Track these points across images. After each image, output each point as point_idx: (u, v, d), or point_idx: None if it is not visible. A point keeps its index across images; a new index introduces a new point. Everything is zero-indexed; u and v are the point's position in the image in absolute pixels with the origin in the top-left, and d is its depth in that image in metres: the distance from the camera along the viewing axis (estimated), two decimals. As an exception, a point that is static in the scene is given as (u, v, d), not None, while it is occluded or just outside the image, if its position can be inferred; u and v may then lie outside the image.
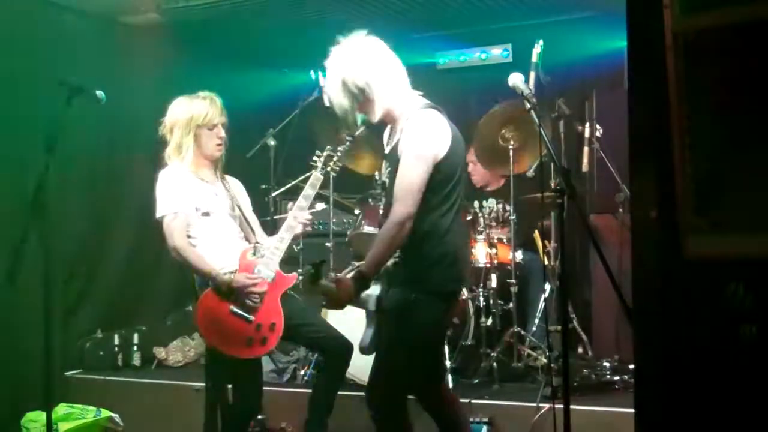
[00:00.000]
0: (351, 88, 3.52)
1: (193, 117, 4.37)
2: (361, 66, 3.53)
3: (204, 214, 4.43)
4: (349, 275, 3.55)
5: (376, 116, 3.61)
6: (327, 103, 6.18)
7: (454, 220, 3.61)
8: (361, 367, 5.12)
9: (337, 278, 3.56)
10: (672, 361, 2.03)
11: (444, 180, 3.52)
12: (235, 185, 4.71)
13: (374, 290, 3.66)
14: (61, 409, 5.55)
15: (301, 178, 6.52)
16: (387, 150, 3.73)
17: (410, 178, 3.44)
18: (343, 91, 3.53)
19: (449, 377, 5.19)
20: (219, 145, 4.45)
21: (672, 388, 2.01)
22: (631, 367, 5.36)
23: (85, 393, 5.98)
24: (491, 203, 5.98)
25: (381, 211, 5.53)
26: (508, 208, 5.82)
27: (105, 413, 5.65)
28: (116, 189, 6.74)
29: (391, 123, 3.70)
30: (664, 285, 2.03)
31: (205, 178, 4.51)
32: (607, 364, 5.49)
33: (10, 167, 5.81)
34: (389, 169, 3.66)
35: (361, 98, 3.54)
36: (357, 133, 6.13)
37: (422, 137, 3.48)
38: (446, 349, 5.17)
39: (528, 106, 3.42)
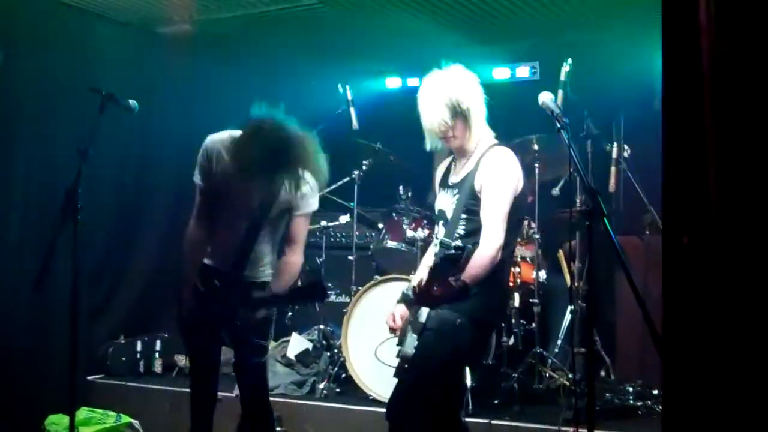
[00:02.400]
0: (455, 107, 3.66)
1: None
2: (467, 90, 3.71)
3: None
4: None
5: (469, 143, 3.78)
6: (355, 126, 6.29)
7: (511, 254, 3.85)
8: (383, 383, 5.12)
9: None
10: (702, 390, 2.01)
11: (512, 214, 3.69)
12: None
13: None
14: (82, 413, 5.57)
15: (326, 190, 6.54)
16: (454, 180, 3.84)
17: (501, 210, 3.64)
18: (447, 108, 3.66)
19: (468, 396, 5.16)
20: None
21: (701, 418, 1.99)
22: (655, 392, 5.32)
23: (107, 398, 5.99)
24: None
25: (408, 227, 5.55)
26: (533, 225, 5.81)
27: (125, 419, 5.68)
28: (144, 196, 6.79)
29: (462, 154, 3.84)
30: (696, 312, 2.01)
31: None
32: (630, 389, 5.44)
33: (44, 172, 5.88)
34: (456, 197, 3.76)
35: (460, 119, 3.70)
36: (377, 146, 6.20)
37: (508, 172, 3.70)
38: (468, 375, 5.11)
39: (558, 125, 3.41)
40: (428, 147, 3.85)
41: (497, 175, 3.67)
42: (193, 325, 3.99)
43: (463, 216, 3.71)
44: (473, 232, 3.66)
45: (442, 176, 3.98)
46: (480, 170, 3.70)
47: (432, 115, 3.70)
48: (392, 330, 3.86)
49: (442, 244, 3.76)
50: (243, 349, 4.05)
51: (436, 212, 3.93)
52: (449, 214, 3.79)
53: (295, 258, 4.01)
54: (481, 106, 3.77)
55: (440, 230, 3.84)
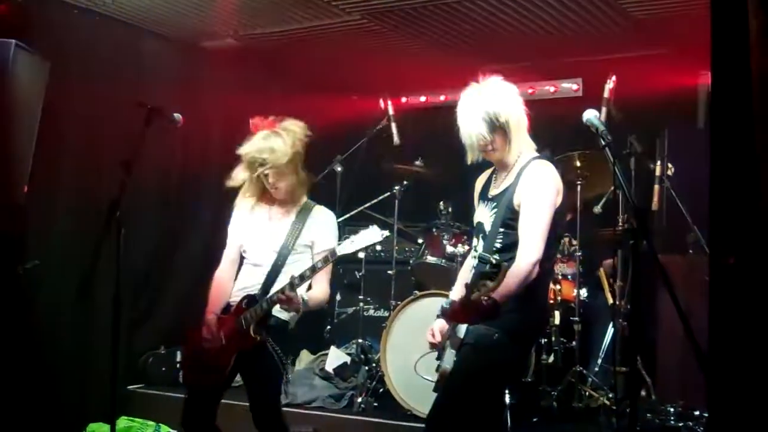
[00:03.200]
0: (493, 121, 3.62)
1: (245, 159, 4.26)
2: (504, 103, 3.66)
3: (244, 251, 4.43)
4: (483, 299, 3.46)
5: (509, 156, 3.73)
6: (396, 142, 6.31)
7: (551, 269, 3.82)
8: (420, 398, 5.10)
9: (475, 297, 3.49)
10: (747, 411, 1.98)
11: (551, 229, 3.63)
12: (317, 222, 4.37)
13: None
14: (121, 422, 5.64)
15: (366, 205, 6.57)
16: (494, 192, 3.80)
17: (540, 225, 3.57)
18: (485, 122, 3.63)
19: (507, 414, 5.13)
20: (274, 189, 4.28)
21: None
22: (697, 413, 5.24)
23: (146, 407, 6.04)
24: (558, 235, 5.96)
25: (448, 242, 5.49)
26: (574, 242, 5.77)
27: (164, 428, 5.73)
28: (186, 208, 6.85)
29: (503, 167, 3.80)
30: (742, 333, 1.98)
31: (270, 213, 4.39)
32: (671, 409, 5.36)
33: (88, 184, 5.95)
34: (494, 210, 3.72)
35: (498, 132, 3.66)
36: (418, 161, 6.21)
37: (548, 186, 3.64)
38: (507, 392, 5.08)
39: (602, 143, 3.39)
40: (469, 160, 3.81)
41: (536, 189, 3.62)
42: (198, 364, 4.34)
43: (501, 230, 3.67)
44: (511, 246, 3.61)
45: (481, 189, 3.95)
46: (520, 184, 3.66)
47: (470, 130, 3.67)
48: (432, 345, 3.81)
49: (480, 258, 3.74)
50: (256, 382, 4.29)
51: (475, 225, 3.89)
52: (487, 228, 3.75)
53: (318, 289, 4.29)
54: (520, 118, 3.72)
55: (479, 243, 3.80)
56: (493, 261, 3.58)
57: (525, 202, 3.61)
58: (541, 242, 3.55)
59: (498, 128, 3.64)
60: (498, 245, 3.67)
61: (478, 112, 3.64)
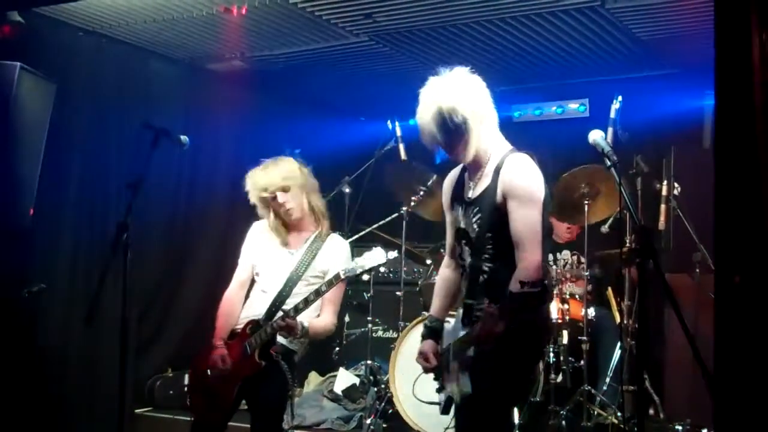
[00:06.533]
0: (448, 120, 3.32)
1: (251, 190, 4.36)
2: (462, 99, 3.35)
3: (256, 274, 4.45)
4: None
5: (469, 156, 3.44)
6: (403, 157, 6.31)
7: (546, 267, 3.49)
8: (430, 419, 5.09)
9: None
10: (756, 430, 1.98)
11: (543, 224, 3.37)
12: (330, 251, 4.37)
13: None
14: (129, 445, 5.63)
15: (374, 225, 6.57)
16: (471, 195, 3.51)
17: (534, 224, 3.31)
18: (440, 121, 3.33)
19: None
20: (286, 211, 4.33)
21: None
22: (705, 431, 5.23)
23: (154, 431, 6.04)
24: (565, 255, 5.95)
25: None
26: (582, 260, 5.77)
27: (172, 451, 5.72)
28: (193, 231, 6.86)
29: (475, 167, 3.51)
30: (748, 351, 1.98)
31: (286, 239, 4.42)
32: (679, 428, 5.35)
33: (95, 206, 5.97)
34: (478, 216, 3.44)
35: (456, 134, 3.36)
36: (430, 182, 6.21)
37: (531, 180, 3.37)
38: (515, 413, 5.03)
39: (608, 163, 3.36)
40: (437, 160, 3.64)
41: (520, 185, 3.33)
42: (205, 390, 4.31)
43: (489, 235, 3.39)
44: (503, 252, 3.34)
45: (453, 190, 3.64)
46: (500, 182, 3.36)
47: (425, 130, 3.37)
48: (428, 370, 3.61)
49: (471, 267, 3.46)
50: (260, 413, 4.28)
51: (456, 230, 3.58)
52: (472, 234, 3.46)
53: (323, 319, 4.29)
54: (481, 114, 3.40)
55: (464, 251, 3.51)
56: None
57: (513, 200, 3.33)
58: (540, 241, 3.30)
59: (455, 127, 3.32)
60: (490, 252, 3.40)
61: (433, 110, 3.33)
